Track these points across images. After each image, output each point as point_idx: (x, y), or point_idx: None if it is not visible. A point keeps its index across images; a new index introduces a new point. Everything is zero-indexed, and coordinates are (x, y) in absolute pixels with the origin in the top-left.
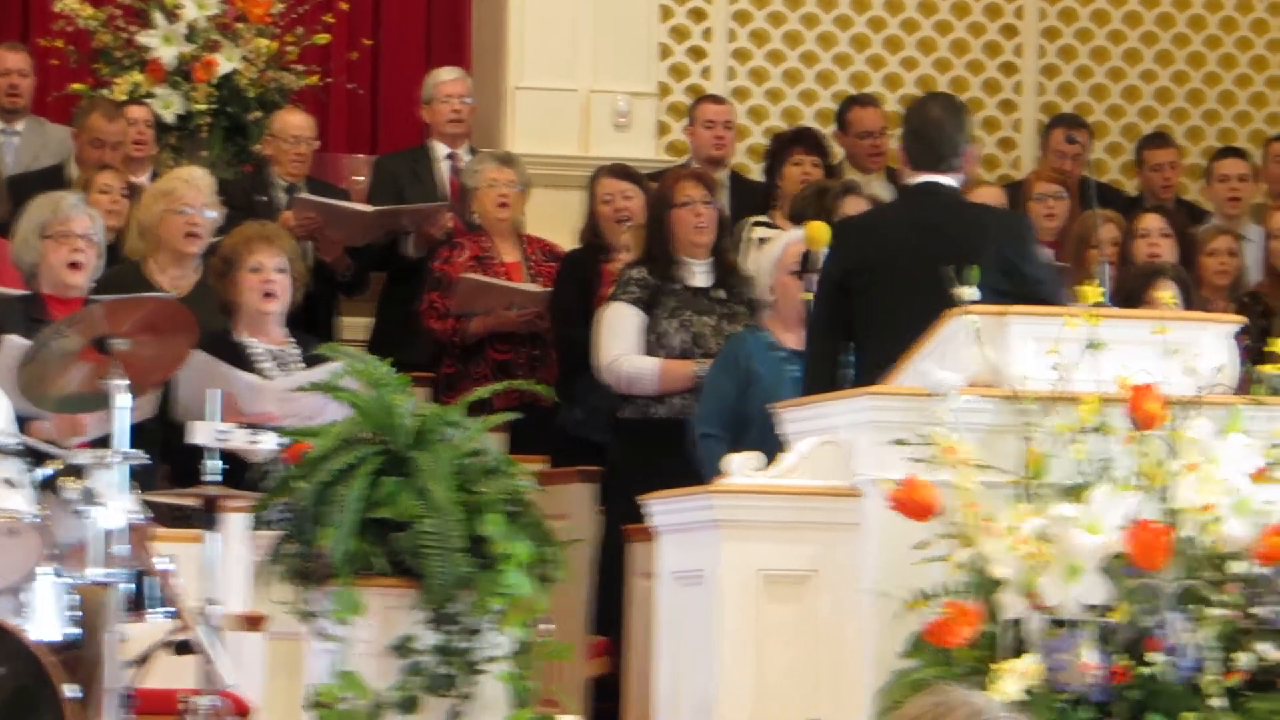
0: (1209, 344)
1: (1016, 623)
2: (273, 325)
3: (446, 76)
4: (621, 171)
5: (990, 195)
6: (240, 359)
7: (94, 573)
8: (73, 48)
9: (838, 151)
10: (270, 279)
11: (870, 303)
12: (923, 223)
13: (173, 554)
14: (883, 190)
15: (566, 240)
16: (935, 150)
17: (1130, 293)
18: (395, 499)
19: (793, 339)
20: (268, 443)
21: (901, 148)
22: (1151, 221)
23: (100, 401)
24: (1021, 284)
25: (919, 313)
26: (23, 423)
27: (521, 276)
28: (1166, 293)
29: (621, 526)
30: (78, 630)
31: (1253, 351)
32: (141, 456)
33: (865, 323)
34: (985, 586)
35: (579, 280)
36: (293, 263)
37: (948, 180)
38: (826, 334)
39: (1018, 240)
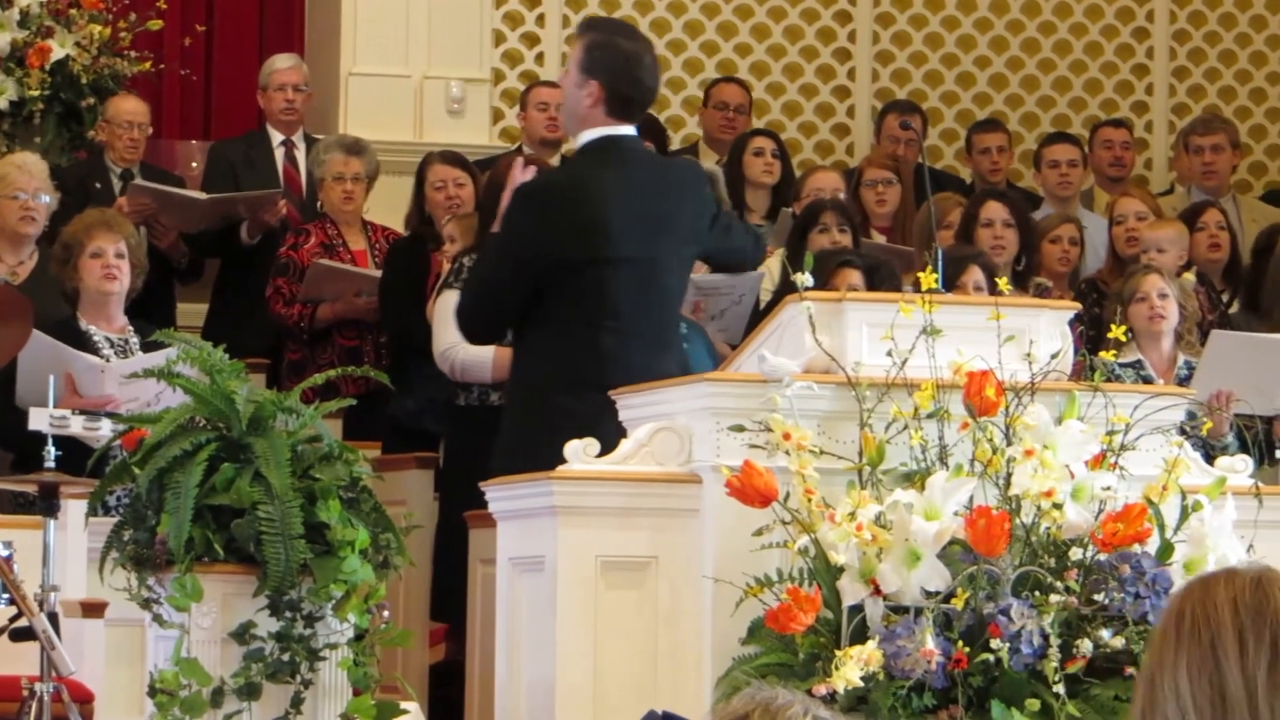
0: (1045, 330)
1: (857, 609)
2: (114, 311)
3: (281, 65)
4: (453, 158)
5: (826, 181)
6: (83, 346)
7: None
8: None
9: (674, 136)
10: (110, 264)
11: (577, 283)
12: (622, 188)
13: (11, 540)
14: None
15: (401, 226)
16: (642, 101)
17: (943, 276)
18: (233, 485)
19: None
20: (105, 429)
21: (602, 94)
22: (996, 210)
23: None
24: (713, 240)
25: (641, 288)
26: None
27: (368, 263)
28: (1002, 279)
29: (460, 513)
30: None
31: (1090, 338)
32: None
33: (569, 304)
34: (825, 573)
35: (408, 268)
36: (133, 250)
37: (631, 130)
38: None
39: (704, 194)
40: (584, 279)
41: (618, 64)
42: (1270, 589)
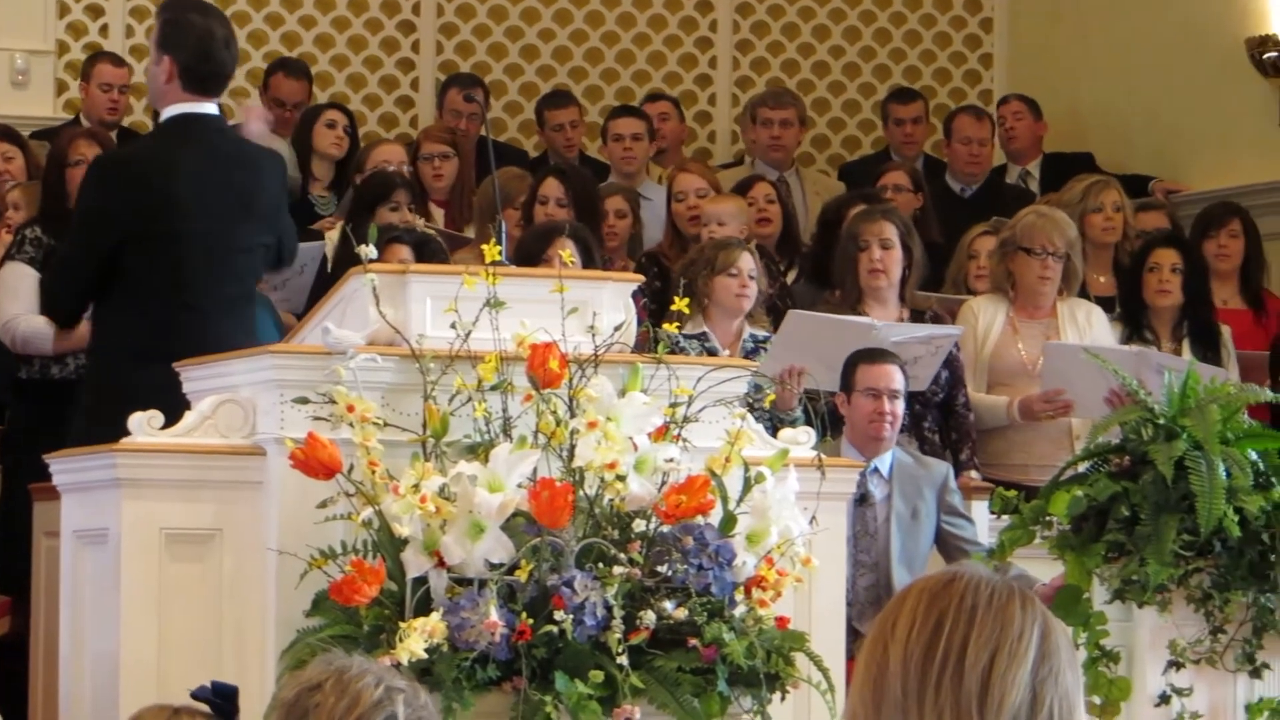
0: (608, 302)
1: (420, 581)
2: None
3: None
4: (1, 132)
5: (391, 153)
6: None
7: None
8: None
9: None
10: None
11: (150, 256)
12: (200, 164)
13: None
14: None
15: None
16: (217, 75)
17: (530, 253)
18: None
19: None
20: None
21: (175, 70)
22: (550, 188)
23: None
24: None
25: (214, 262)
26: None
27: None
28: (565, 250)
29: (25, 485)
30: None
31: (650, 311)
32: None
33: (142, 277)
34: (389, 545)
35: None
36: None
37: (212, 107)
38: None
39: (283, 184)
40: (156, 252)
41: (190, 40)
42: (958, 583)
